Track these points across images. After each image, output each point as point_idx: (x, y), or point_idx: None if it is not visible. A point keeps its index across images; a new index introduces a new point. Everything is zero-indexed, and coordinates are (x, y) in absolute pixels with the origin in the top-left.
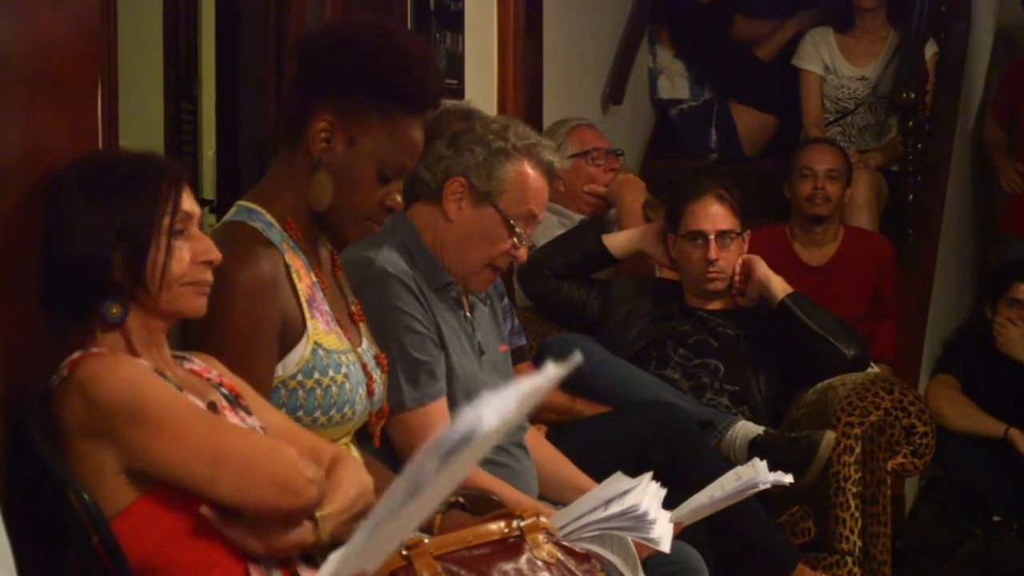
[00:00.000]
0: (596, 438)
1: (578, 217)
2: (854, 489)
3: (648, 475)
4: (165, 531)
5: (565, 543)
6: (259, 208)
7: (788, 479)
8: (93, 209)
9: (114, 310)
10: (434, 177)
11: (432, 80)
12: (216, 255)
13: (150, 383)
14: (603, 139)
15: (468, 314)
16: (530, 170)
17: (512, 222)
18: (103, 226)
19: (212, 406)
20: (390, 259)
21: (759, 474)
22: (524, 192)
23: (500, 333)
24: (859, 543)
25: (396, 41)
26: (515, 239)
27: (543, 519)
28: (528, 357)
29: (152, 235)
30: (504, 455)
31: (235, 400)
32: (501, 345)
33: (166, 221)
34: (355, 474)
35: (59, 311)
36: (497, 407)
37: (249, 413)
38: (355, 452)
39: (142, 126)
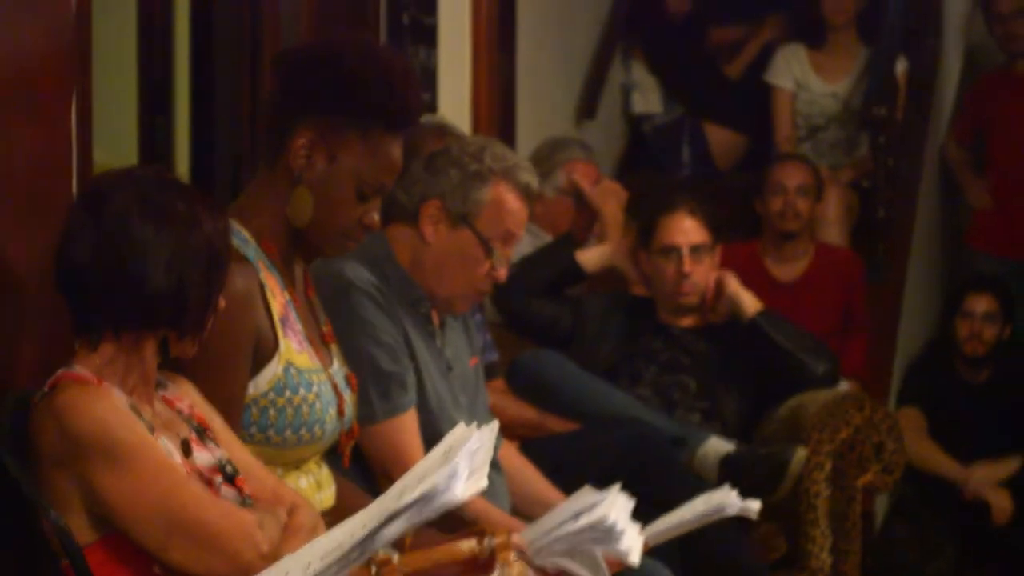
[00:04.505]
0: (566, 454)
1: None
2: (824, 506)
3: (616, 487)
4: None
5: (537, 563)
6: (236, 224)
7: (756, 507)
8: (169, 239)
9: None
10: (411, 199)
11: (413, 98)
12: None
13: (123, 427)
14: (597, 176)
15: (438, 329)
16: (507, 192)
17: (489, 244)
18: (188, 255)
19: (185, 445)
20: (358, 272)
21: (728, 500)
22: (501, 214)
23: (471, 347)
24: (829, 560)
25: (378, 58)
26: (493, 261)
27: (514, 538)
28: (500, 373)
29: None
30: None
31: (203, 432)
32: (472, 359)
33: None
34: (312, 525)
35: (96, 327)
36: (469, 481)
37: (217, 445)
38: (325, 471)
39: (115, 139)
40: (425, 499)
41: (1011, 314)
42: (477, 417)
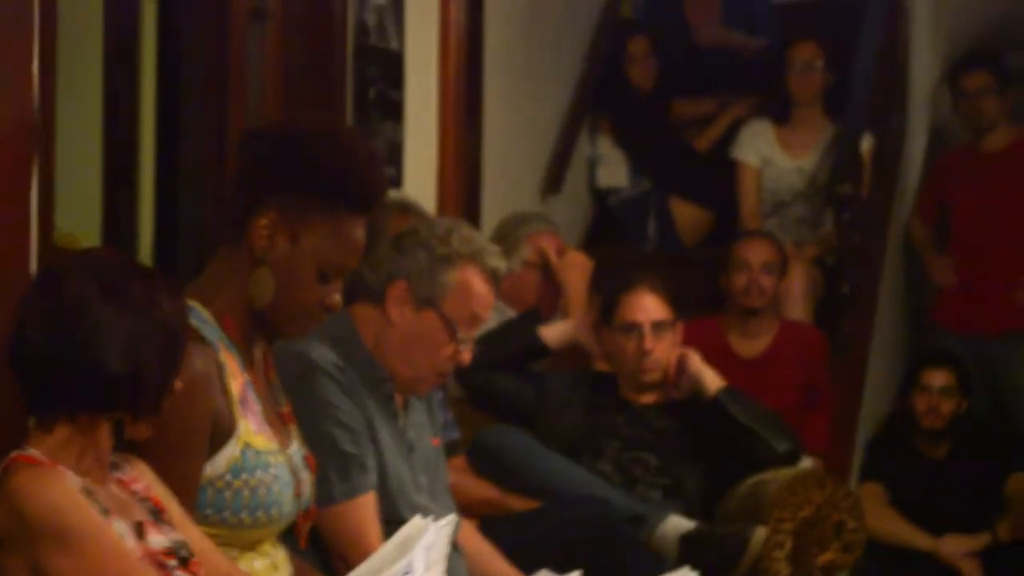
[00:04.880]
0: (526, 533)
1: (513, 312)
2: None
3: (576, 574)
4: None
5: None
6: (196, 304)
7: None
8: (126, 321)
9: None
10: (377, 279)
11: (377, 182)
12: None
13: (76, 511)
14: (561, 246)
15: (401, 411)
16: (474, 276)
17: (455, 326)
18: (145, 338)
19: (139, 527)
20: (321, 353)
21: None
22: (467, 297)
23: (433, 426)
24: None
25: (343, 141)
26: (458, 343)
27: None
28: (461, 451)
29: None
30: None
31: (158, 514)
32: (433, 439)
33: None
34: None
35: (51, 409)
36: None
37: (172, 528)
38: (282, 552)
39: (79, 211)
40: None
41: (969, 388)
42: (437, 498)
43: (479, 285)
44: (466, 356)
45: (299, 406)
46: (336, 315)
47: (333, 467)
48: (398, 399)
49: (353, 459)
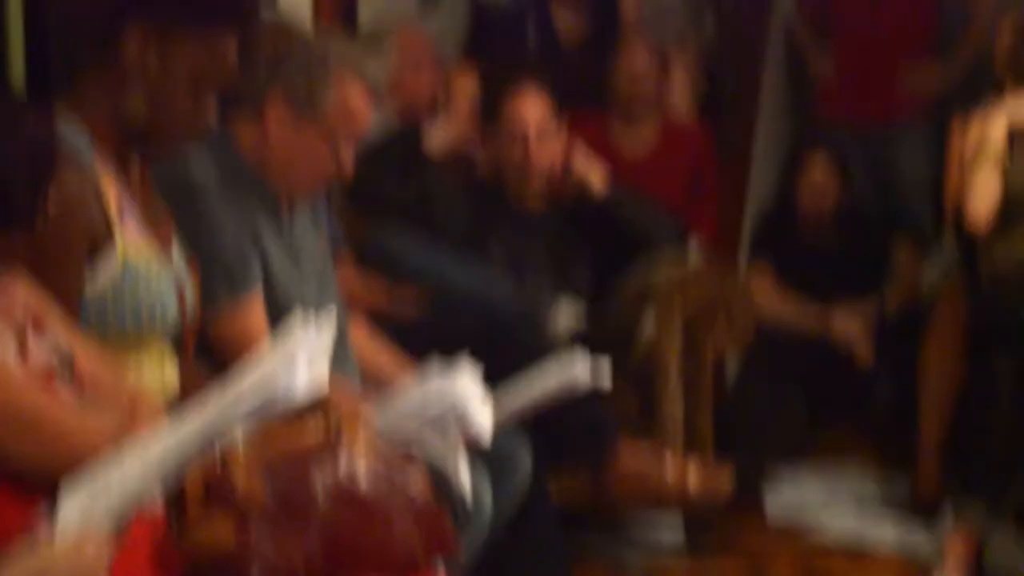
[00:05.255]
0: (414, 342)
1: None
2: (676, 371)
3: (464, 361)
4: None
5: (386, 439)
6: (70, 120)
7: (606, 381)
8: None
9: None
10: (254, 96)
11: (251, 4)
12: None
13: None
14: (430, 45)
15: (287, 217)
16: (352, 87)
17: (335, 139)
18: (7, 159)
19: (21, 334)
20: (203, 171)
21: (579, 374)
22: (347, 112)
23: (317, 229)
24: (681, 423)
25: None
26: (339, 158)
27: (362, 408)
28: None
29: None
30: None
31: (39, 322)
32: (320, 243)
33: None
34: (153, 414)
35: None
36: (309, 377)
37: (55, 334)
38: (168, 357)
39: None
40: (263, 398)
41: (850, 175)
42: (327, 293)
43: (358, 97)
44: (348, 168)
45: (183, 225)
46: (215, 132)
47: (218, 277)
48: (282, 208)
49: (236, 261)
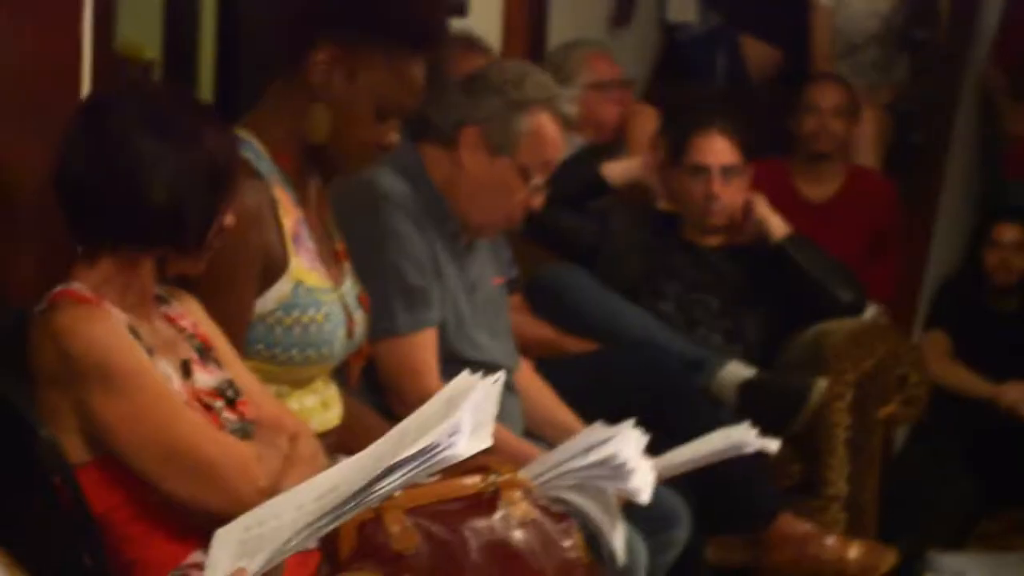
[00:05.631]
0: (582, 379)
1: (579, 141)
2: (844, 435)
3: (629, 422)
4: (116, 497)
5: (542, 502)
6: (250, 137)
7: (775, 446)
8: (170, 154)
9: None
10: (447, 122)
11: (438, 19)
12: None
13: (122, 352)
14: (617, 68)
15: (465, 248)
16: (547, 122)
17: (528, 173)
18: (188, 172)
19: (185, 366)
20: (391, 183)
21: (747, 438)
22: (541, 144)
23: (497, 265)
24: (846, 488)
25: None
26: (531, 190)
27: (520, 475)
28: (519, 289)
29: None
30: None
31: (206, 352)
32: (496, 278)
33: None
34: (312, 455)
35: (94, 242)
36: (473, 437)
37: (219, 366)
38: (333, 389)
39: (140, 21)
40: (425, 454)
41: None
42: (497, 338)
43: (552, 131)
44: (538, 202)
45: (365, 236)
46: (403, 147)
47: (398, 298)
48: (463, 238)
49: (419, 292)
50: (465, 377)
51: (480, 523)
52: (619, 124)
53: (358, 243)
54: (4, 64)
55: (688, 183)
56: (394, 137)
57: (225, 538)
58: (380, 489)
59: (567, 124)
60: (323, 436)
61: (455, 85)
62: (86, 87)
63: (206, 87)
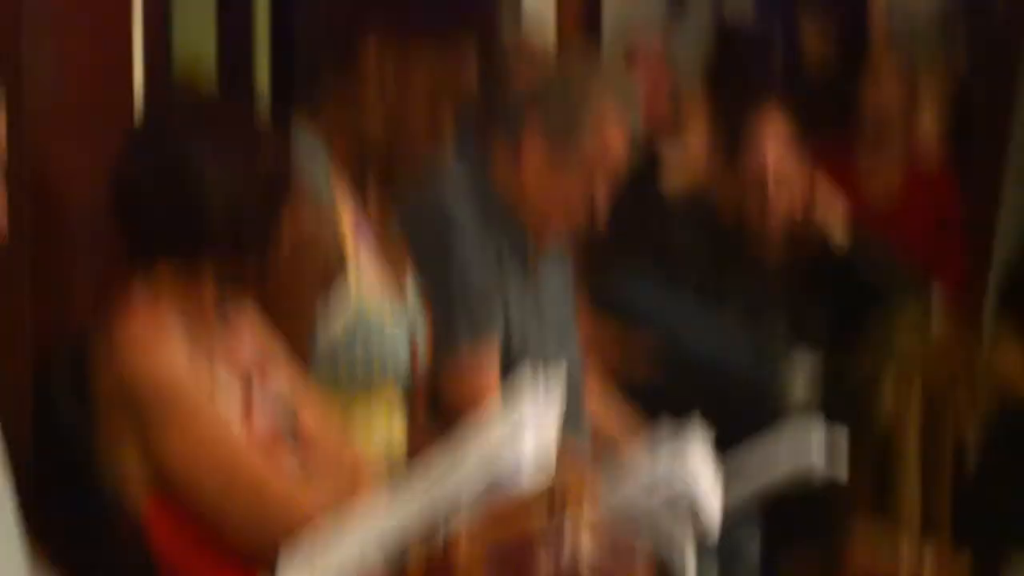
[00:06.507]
0: (646, 392)
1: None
2: (915, 453)
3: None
4: (177, 526)
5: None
6: (306, 132)
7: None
8: (228, 167)
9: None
10: (510, 124)
11: (490, 10)
12: None
13: (183, 385)
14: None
15: (535, 268)
16: (612, 124)
17: (593, 179)
18: (245, 185)
19: (246, 383)
20: (460, 208)
21: (814, 458)
22: (606, 147)
23: (567, 293)
24: (919, 507)
25: None
26: (596, 197)
27: (587, 512)
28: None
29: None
30: None
31: (266, 369)
32: (567, 305)
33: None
34: (370, 485)
35: (150, 254)
36: (535, 458)
37: (278, 383)
38: (397, 411)
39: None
40: (489, 482)
41: None
42: (566, 354)
43: (617, 131)
44: (604, 208)
45: (428, 259)
46: (470, 157)
47: (459, 320)
48: (532, 256)
49: (482, 309)
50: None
51: (548, 550)
52: (669, 119)
53: (424, 265)
54: (56, 77)
55: (744, 190)
56: (448, 131)
57: (291, 564)
58: (446, 510)
59: (632, 117)
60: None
61: (516, 82)
62: (139, 97)
63: (262, 82)
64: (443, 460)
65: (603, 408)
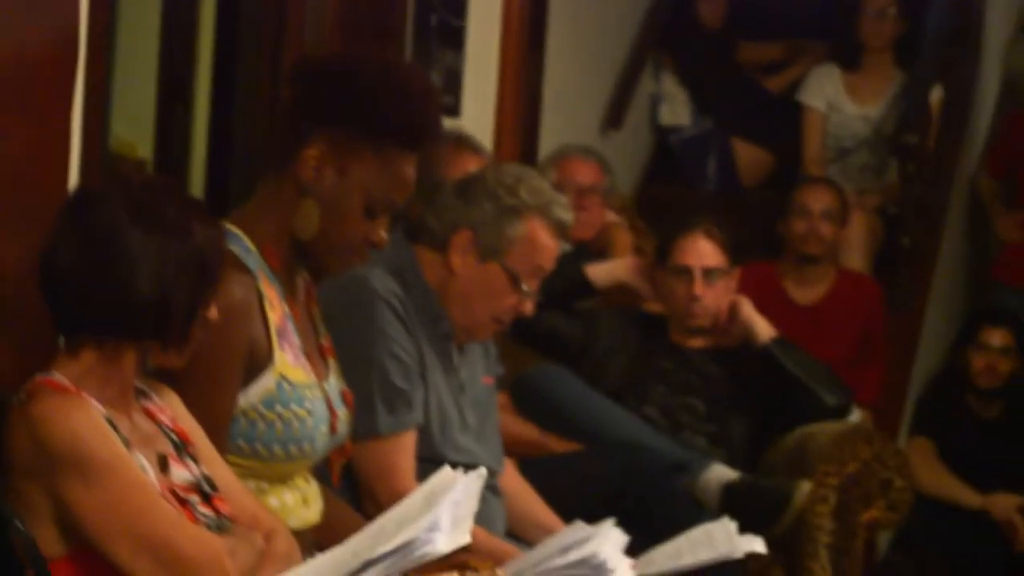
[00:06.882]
0: (564, 478)
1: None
2: (826, 540)
3: (609, 522)
4: None
5: None
6: (239, 232)
7: (761, 546)
8: (156, 247)
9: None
10: (440, 226)
11: (431, 119)
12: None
13: (98, 442)
14: (591, 174)
15: (456, 350)
16: (541, 229)
17: (519, 279)
18: (174, 264)
19: (163, 461)
20: (383, 282)
21: (732, 544)
22: (533, 250)
23: (487, 365)
24: None
25: (398, 76)
26: (521, 295)
27: (499, 573)
28: (503, 387)
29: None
30: None
31: (183, 448)
32: (486, 377)
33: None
34: (287, 553)
35: (77, 333)
36: (452, 533)
37: (197, 462)
38: (313, 486)
39: (133, 124)
40: (403, 550)
41: None
42: (485, 440)
43: (545, 238)
44: (528, 307)
45: (353, 332)
46: (400, 245)
47: (381, 399)
48: (454, 340)
49: (402, 394)
50: (445, 473)
51: None
52: (602, 227)
53: (346, 339)
54: None
55: (672, 284)
56: (383, 234)
57: None
58: None
59: (563, 231)
60: (302, 533)
61: (450, 188)
62: (74, 180)
63: (197, 184)
64: (359, 538)
65: (518, 495)
